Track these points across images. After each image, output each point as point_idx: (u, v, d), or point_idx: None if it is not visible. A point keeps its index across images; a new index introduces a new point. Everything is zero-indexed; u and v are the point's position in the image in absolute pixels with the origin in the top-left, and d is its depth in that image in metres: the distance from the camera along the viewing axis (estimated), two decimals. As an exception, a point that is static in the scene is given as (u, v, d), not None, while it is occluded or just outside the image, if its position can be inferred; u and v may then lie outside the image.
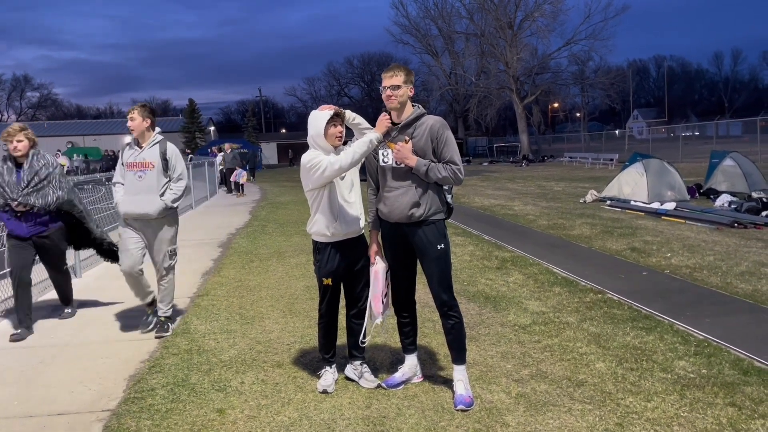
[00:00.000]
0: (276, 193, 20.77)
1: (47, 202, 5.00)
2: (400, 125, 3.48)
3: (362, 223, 3.72)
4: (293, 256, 8.25)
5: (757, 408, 3.28)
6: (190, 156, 42.06)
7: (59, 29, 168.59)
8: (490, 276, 6.70)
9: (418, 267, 3.63)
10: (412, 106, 3.51)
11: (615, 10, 42.37)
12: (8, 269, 5.12)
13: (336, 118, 3.52)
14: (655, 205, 11.92)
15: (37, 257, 5.23)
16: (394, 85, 3.40)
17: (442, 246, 3.47)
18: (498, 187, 20.09)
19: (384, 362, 4.13)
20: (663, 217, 10.92)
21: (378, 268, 3.64)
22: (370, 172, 3.70)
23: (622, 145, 40.63)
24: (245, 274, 7.18)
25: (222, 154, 22.82)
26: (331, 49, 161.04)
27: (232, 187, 19.99)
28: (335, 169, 3.42)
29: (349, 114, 3.58)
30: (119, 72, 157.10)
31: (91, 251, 6.09)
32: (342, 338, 3.92)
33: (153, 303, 5.13)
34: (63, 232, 5.27)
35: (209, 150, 40.83)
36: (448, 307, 3.51)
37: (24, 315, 5.04)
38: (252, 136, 60.28)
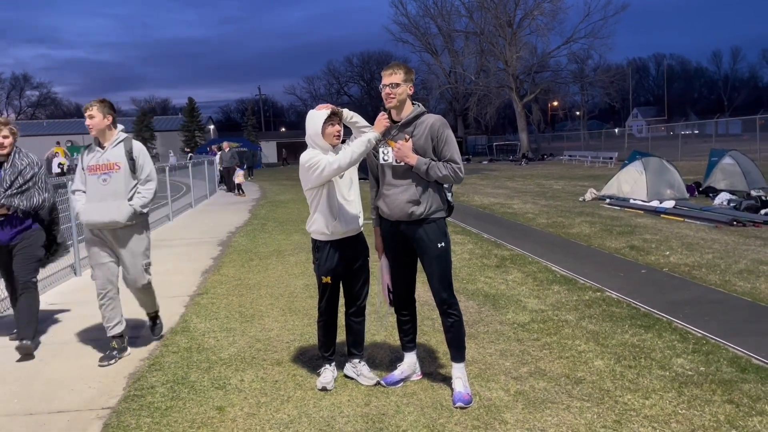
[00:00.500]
0: (275, 192, 20.78)
1: (32, 204, 4.58)
2: (400, 123, 3.49)
3: (361, 221, 3.73)
4: (293, 255, 8.26)
5: (754, 405, 3.30)
6: (189, 155, 42.09)
7: (58, 28, 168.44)
8: (489, 274, 6.71)
9: (419, 265, 3.64)
10: (412, 104, 3.51)
11: (614, 9, 42.45)
12: None
13: (333, 117, 3.53)
14: (655, 204, 11.94)
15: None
16: (394, 83, 3.40)
17: (443, 244, 3.48)
18: (497, 186, 20.10)
19: (383, 360, 4.15)
20: (662, 216, 10.93)
21: (383, 264, 3.71)
22: (371, 170, 3.71)
23: (621, 143, 40.63)
24: (245, 273, 7.19)
25: (220, 153, 22.82)
26: (331, 47, 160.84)
27: (233, 186, 19.97)
28: (334, 168, 3.43)
29: (346, 113, 3.58)
30: (119, 71, 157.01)
31: None
32: (341, 336, 3.93)
33: (122, 336, 4.50)
34: (42, 235, 4.74)
35: (208, 149, 40.84)
36: (447, 305, 3.52)
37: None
38: (251, 134, 60.28)
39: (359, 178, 3.83)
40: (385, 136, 3.52)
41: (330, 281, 3.68)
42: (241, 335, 4.80)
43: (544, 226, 10.38)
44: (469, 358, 3.98)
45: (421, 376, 3.82)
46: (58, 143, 35.95)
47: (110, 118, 4.35)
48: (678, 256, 7.29)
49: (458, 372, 3.56)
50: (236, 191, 19.15)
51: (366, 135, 3.48)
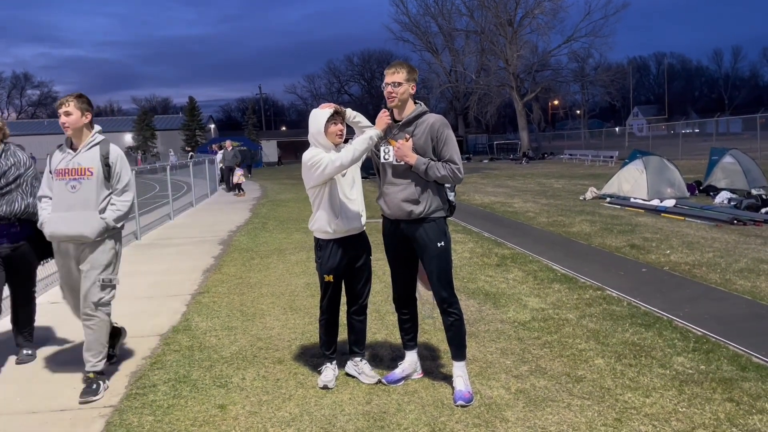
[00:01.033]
0: (276, 191, 20.79)
1: (12, 210, 4.07)
2: (401, 123, 3.49)
3: (364, 220, 3.74)
4: (293, 253, 8.27)
5: (755, 403, 3.30)
6: (190, 154, 42.10)
7: (59, 27, 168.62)
8: (489, 273, 6.72)
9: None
10: (414, 103, 3.52)
11: (615, 7, 42.19)
12: None
13: (336, 116, 3.54)
14: (655, 202, 11.94)
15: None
16: (396, 82, 3.41)
17: (443, 243, 3.48)
18: (498, 185, 20.10)
19: (384, 358, 4.16)
20: (662, 214, 10.93)
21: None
22: (377, 168, 3.72)
23: (621, 142, 40.63)
24: (246, 271, 7.20)
25: (222, 151, 22.82)
26: (331, 46, 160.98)
27: (232, 186, 19.96)
28: (336, 166, 3.44)
29: (349, 112, 3.60)
30: (119, 70, 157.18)
31: None
32: (342, 335, 3.94)
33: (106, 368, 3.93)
34: (33, 243, 4.24)
35: (209, 148, 40.87)
36: (448, 304, 3.53)
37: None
38: (252, 133, 60.25)
39: (362, 177, 3.84)
40: (387, 135, 3.53)
41: (332, 280, 3.69)
42: (243, 334, 4.81)
43: (544, 224, 10.39)
44: (470, 356, 3.99)
45: (422, 375, 3.83)
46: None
47: (88, 117, 3.85)
48: (678, 255, 7.30)
49: (459, 370, 3.57)
50: (236, 191, 19.12)
51: (368, 132, 3.49)
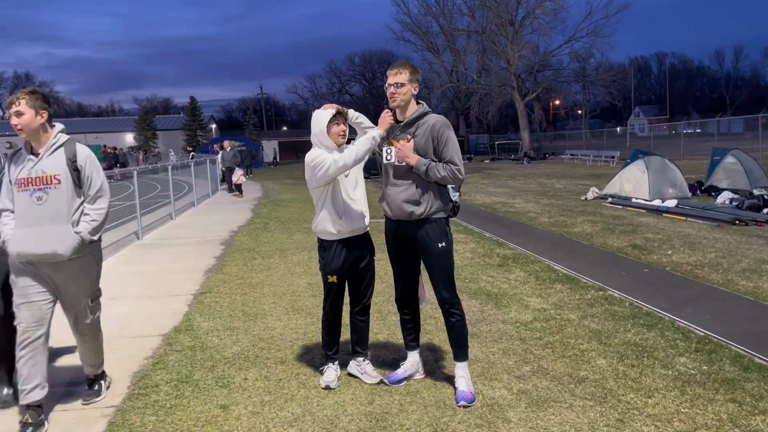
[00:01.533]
0: (277, 191, 20.80)
1: None
2: (402, 123, 3.50)
3: (367, 220, 3.74)
4: (295, 254, 8.27)
5: (757, 404, 3.30)
6: (192, 153, 42.12)
7: (60, 27, 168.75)
8: (491, 273, 6.72)
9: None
10: (417, 103, 3.52)
11: (617, 7, 42.15)
12: None
13: (338, 117, 3.55)
14: (657, 203, 11.93)
15: None
16: (399, 82, 3.41)
17: (444, 244, 3.48)
18: (499, 185, 20.09)
19: (386, 359, 4.16)
20: (664, 215, 10.93)
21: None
22: (380, 168, 3.72)
23: (623, 142, 40.58)
24: (248, 272, 7.21)
25: (222, 152, 22.82)
26: (333, 46, 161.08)
27: (233, 187, 19.93)
28: (339, 166, 3.45)
29: (351, 113, 3.60)
30: (120, 69, 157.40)
31: None
32: (345, 335, 3.95)
33: (40, 406, 3.35)
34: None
35: (210, 147, 40.88)
36: (450, 305, 3.53)
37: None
38: (253, 133, 60.30)
39: (364, 178, 3.84)
40: (389, 135, 3.53)
41: (336, 281, 3.70)
42: (245, 334, 4.81)
43: (546, 225, 10.39)
44: (472, 357, 3.99)
45: (424, 375, 3.83)
46: None
47: (44, 115, 3.30)
48: (680, 255, 7.29)
49: (461, 371, 3.57)
50: (234, 191, 19.04)
51: (370, 132, 3.50)
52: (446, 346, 3.94)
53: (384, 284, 5.87)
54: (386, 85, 3.46)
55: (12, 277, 3.34)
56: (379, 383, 3.73)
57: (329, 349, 3.84)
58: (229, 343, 4.60)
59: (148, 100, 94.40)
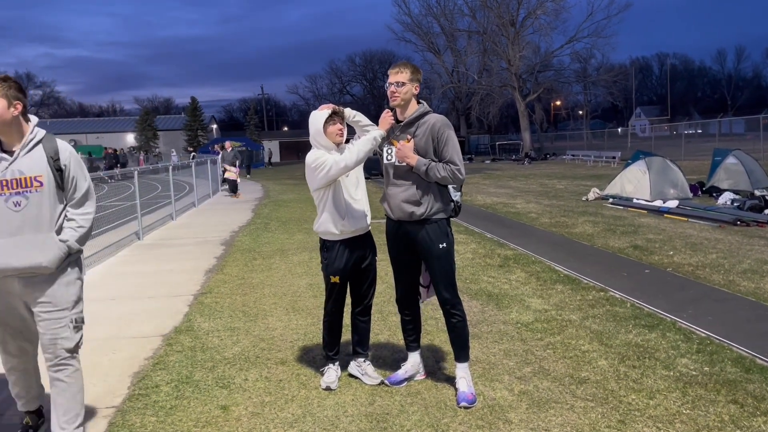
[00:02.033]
0: (278, 191, 20.80)
1: None
2: (403, 123, 3.49)
3: (369, 220, 3.74)
4: (296, 254, 8.27)
5: (759, 405, 3.29)
6: (192, 154, 42.13)
7: (61, 27, 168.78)
8: (492, 274, 6.71)
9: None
10: (418, 103, 3.51)
11: (618, 8, 42.15)
12: None
13: (334, 116, 3.55)
14: (658, 203, 11.92)
15: None
16: (399, 82, 3.40)
17: (444, 245, 3.47)
18: (500, 185, 20.09)
19: (387, 359, 4.15)
20: (665, 215, 10.92)
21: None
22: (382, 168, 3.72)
23: (624, 142, 40.56)
24: (248, 272, 7.21)
25: (222, 152, 22.82)
26: (333, 46, 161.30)
27: (236, 188, 19.86)
28: (340, 167, 3.44)
29: (348, 112, 3.60)
30: (121, 70, 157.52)
31: (93, 249, 5.84)
32: (345, 336, 3.94)
33: (39, 412, 3.19)
34: None
35: (210, 148, 40.91)
36: (450, 306, 3.52)
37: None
38: (254, 134, 60.36)
39: (365, 178, 3.84)
40: (389, 135, 3.52)
41: (338, 281, 3.69)
42: (245, 334, 4.81)
43: (547, 225, 10.38)
44: (473, 357, 3.99)
45: (425, 376, 3.82)
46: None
47: (18, 107, 2.82)
48: (682, 256, 7.28)
49: (462, 372, 3.56)
50: (229, 191, 18.80)
51: (371, 133, 3.49)
52: (447, 347, 3.94)
53: (385, 285, 5.86)
54: (387, 84, 3.46)
55: None
56: (379, 384, 3.72)
57: (330, 349, 3.83)
58: (230, 344, 4.59)
59: (149, 101, 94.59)
